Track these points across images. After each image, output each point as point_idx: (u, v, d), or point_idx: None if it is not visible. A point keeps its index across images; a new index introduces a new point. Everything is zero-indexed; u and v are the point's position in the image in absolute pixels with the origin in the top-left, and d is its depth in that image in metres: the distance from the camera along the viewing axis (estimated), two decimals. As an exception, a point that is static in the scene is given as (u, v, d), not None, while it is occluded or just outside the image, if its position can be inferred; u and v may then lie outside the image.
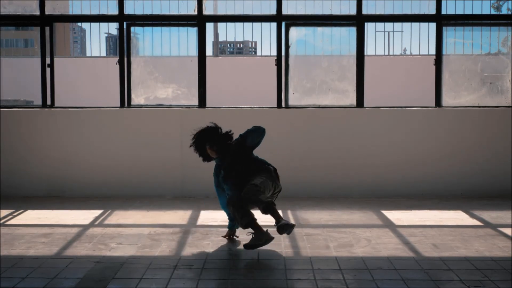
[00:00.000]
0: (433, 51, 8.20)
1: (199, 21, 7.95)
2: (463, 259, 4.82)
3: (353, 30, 7.97)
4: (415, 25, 17.87)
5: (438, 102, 8.03)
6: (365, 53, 8.01)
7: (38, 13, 8.04)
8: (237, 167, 5.31)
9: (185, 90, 8.16)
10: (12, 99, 14.55)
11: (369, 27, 20.79)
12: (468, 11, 8.14)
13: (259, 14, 8.11)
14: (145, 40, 8.25)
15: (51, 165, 7.82)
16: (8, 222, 6.33)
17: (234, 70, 17.65)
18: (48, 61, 8.04)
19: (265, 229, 5.08)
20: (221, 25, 19.88)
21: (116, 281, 4.28)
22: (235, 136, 5.46)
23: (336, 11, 8.04)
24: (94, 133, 7.83)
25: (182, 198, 7.70)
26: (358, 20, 7.93)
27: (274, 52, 8.20)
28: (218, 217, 6.48)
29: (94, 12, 8.13)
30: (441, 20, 7.95)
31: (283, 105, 7.98)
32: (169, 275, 4.40)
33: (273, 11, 7.96)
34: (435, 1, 7.93)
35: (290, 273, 4.50)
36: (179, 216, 6.58)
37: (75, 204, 7.26)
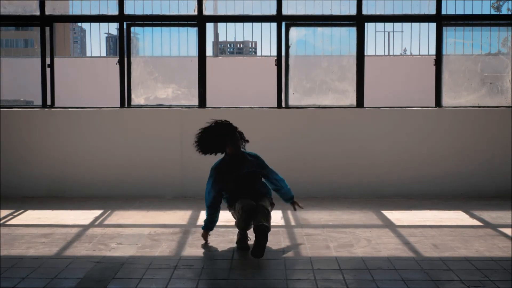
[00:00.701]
0: (433, 51, 8.21)
1: (199, 21, 7.95)
2: (463, 259, 4.82)
3: (353, 30, 7.97)
4: (415, 25, 17.85)
5: (438, 102, 8.03)
6: (365, 53, 8.01)
7: (38, 13, 8.04)
8: (247, 180, 5.35)
9: (185, 90, 8.16)
10: (12, 99, 14.54)
11: (369, 27, 20.80)
12: (468, 11, 8.15)
13: (259, 14, 8.11)
14: (145, 40, 8.26)
15: (51, 165, 7.82)
16: (8, 222, 6.33)
17: (234, 70, 17.65)
18: (48, 61, 8.04)
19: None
20: (221, 25, 19.88)
21: (116, 281, 4.29)
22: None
23: (336, 11, 8.04)
24: (94, 133, 7.83)
25: (182, 198, 7.70)
26: (358, 20, 7.93)
27: (274, 52, 8.21)
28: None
29: (94, 12, 8.14)
30: (441, 20, 7.95)
31: (283, 105, 7.98)
32: (169, 275, 4.40)
33: (273, 11, 7.96)
34: (435, 1, 7.93)
35: (290, 273, 4.50)
36: (179, 216, 6.58)
37: (75, 204, 7.25)
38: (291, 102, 7.98)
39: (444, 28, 7.96)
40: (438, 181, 7.76)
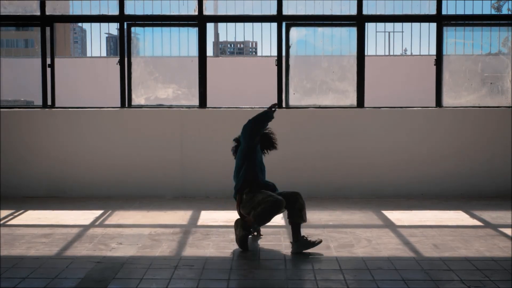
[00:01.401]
0: (433, 51, 8.20)
1: (199, 21, 7.95)
2: (464, 259, 4.82)
3: (353, 30, 7.97)
4: (416, 25, 17.91)
5: (438, 102, 8.03)
6: (366, 53, 8.01)
7: (38, 13, 8.04)
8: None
9: (186, 90, 8.16)
10: (12, 99, 14.54)
11: (370, 27, 20.76)
12: (468, 11, 8.15)
13: (259, 14, 8.11)
14: (146, 41, 8.26)
15: (51, 166, 7.82)
16: (9, 223, 6.33)
17: (235, 70, 17.66)
18: (48, 61, 8.05)
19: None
20: (221, 25, 19.88)
21: (117, 281, 4.29)
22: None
23: (336, 11, 8.04)
24: (94, 134, 7.84)
25: (182, 198, 7.70)
26: (359, 20, 7.93)
27: (274, 52, 8.21)
28: (218, 218, 6.49)
29: (95, 12, 8.14)
30: (441, 20, 7.95)
31: (284, 105, 7.98)
32: (169, 275, 4.40)
33: (273, 11, 7.96)
34: (435, 1, 7.93)
35: (291, 273, 4.50)
36: (180, 216, 6.58)
37: (76, 205, 7.26)
38: (292, 102, 7.98)
39: (444, 28, 7.96)
40: (439, 181, 7.75)
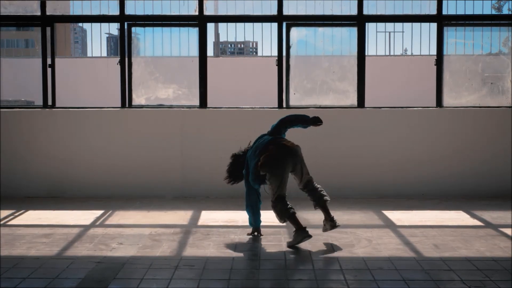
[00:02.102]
0: (434, 51, 8.20)
1: (200, 21, 7.95)
2: (464, 259, 4.82)
3: (353, 31, 7.97)
4: (416, 25, 17.90)
5: (439, 102, 8.03)
6: (366, 54, 8.01)
7: (39, 13, 8.04)
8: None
9: (186, 90, 8.17)
10: (13, 99, 14.55)
11: (370, 27, 20.80)
12: (469, 12, 8.15)
13: (260, 15, 8.11)
14: (146, 41, 8.26)
15: (52, 166, 7.82)
16: (9, 223, 6.34)
17: (235, 70, 17.65)
18: (49, 61, 8.05)
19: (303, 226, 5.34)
20: (222, 26, 19.83)
21: (117, 282, 4.29)
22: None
23: (337, 12, 8.04)
24: (95, 134, 7.84)
25: (183, 198, 7.70)
26: (359, 20, 7.93)
27: (275, 53, 8.21)
28: (218, 218, 6.49)
29: (95, 12, 8.14)
30: (442, 20, 7.95)
31: (284, 105, 7.97)
32: (170, 275, 4.40)
33: (274, 11, 7.96)
34: (436, 1, 7.93)
35: (291, 273, 4.50)
36: (180, 217, 6.58)
37: (76, 205, 7.26)
38: (292, 102, 7.98)
39: (445, 28, 7.96)
40: (439, 181, 7.75)
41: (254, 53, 50.64)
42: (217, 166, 7.68)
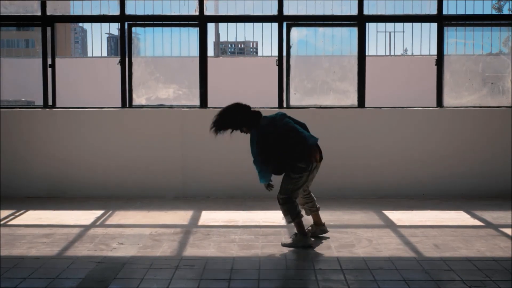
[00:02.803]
0: (434, 51, 8.20)
1: (200, 21, 7.95)
2: (465, 259, 4.82)
3: (354, 31, 7.97)
4: (417, 25, 17.91)
5: (439, 102, 8.03)
6: (366, 54, 8.00)
7: (39, 13, 8.04)
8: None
9: (186, 90, 8.17)
10: (13, 99, 14.55)
11: (370, 27, 20.82)
12: (469, 12, 8.15)
13: (260, 15, 8.11)
14: (146, 41, 8.26)
15: (52, 166, 7.82)
16: (9, 223, 6.34)
17: (235, 70, 17.66)
18: (49, 61, 8.06)
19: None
20: (222, 26, 19.84)
21: (118, 282, 4.29)
22: None
23: (337, 12, 8.04)
24: (95, 134, 7.84)
25: (183, 198, 7.70)
26: (359, 20, 7.93)
27: (275, 53, 8.20)
28: (219, 218, 6.49)
29: (95, 12, 8.14)
30: (442, 20, 7.95)
31: (284, 105, 7.97)
32: (170, 275, 4.40)
33: (274, 11, 7.96)
34: (436, 1, 7.93)
35: (292, 273, 4.50)
36: (180, 217, 6.58)
37: (76, 205, 7.26)
38: (292, 102, 7.98)
39: (445, 28, 7.96)
40: (439, 181, 7.75)
41: (255, 53, 50.63)
42: (218, 166, 7.72)
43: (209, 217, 6.57)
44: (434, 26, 8.06)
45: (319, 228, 5.57)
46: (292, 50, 7.98)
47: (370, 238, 5.53)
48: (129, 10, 8.01)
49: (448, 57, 8.03)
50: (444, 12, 7.95)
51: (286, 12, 7.94)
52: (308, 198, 5.56)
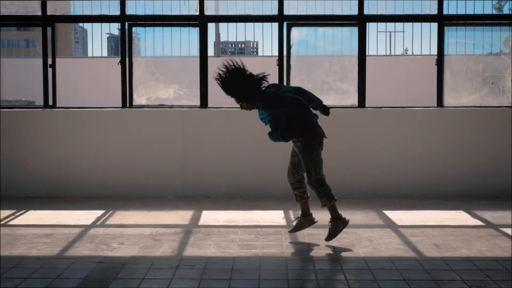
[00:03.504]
0: (434, 51, 8.20)
1: (200, 21, 7.95)
2: (465, 259, 4.82)
3: (354, 30, 7.97)
4: (417, 25, 17.87)
5: (439, 102, 8.03)
6: (367, 53, 8.01)
7: (39, 13, 8.04)
8: None
9: (187, 90, 8.17)
10: (13, 99, 14.56)
11: (371, 27, 20.84)
12: (469, 11, 8.15)
13: (260, 15, 8.11)
14: (147, 41, 8.26)
15: (52, 166, 7.82)
16: (10, 223, 6.34)
17: (236, 70, 17.62)
18: (49, 61, 8.06)
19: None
20: (222, 25, 19.86)
21: (118, 281, 4.29)
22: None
23: (337, 11, 8.04)
24: (95, 134, 7.84)
25: (184, 198, 7.70)
26: (360, 20, 7.93)
27: (275, 53, 8.21)
28: (219, 218, 6.49)
29: (96, 12, 8.14)
30: (442, 20, 7.95)
31: (285, 105, 7.96)
32: (171, 275, 4.40)
33: (274, 11, 7.96)
34: (436, 1, 7.93)
35: (292, 273, 4.50)
36: (181, 216, 6.58)
37: (77, 205, 7.26)
38: (293, 102, 7.97)
39: (445, 28, 7.96)
40: (440, 181, 7.75)
41: (255, 53, 50.66)
42: (218, 166, 7.71)
43: (209, 217, 6.57)
44: (434, 26, 8.06)
45: (307, 219, 5.53)
46: (292, 50, 7.98)
47: (371, 238, 5.53)
48: (130, 10, 8.01)
49: (448, 57, 8.03)
50: (445, 12, 7.95)
51: (287, 12, 7.95)
52: (300, 184, 5.53)
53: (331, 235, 5.29)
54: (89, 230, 5.89)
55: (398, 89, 16.45)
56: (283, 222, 6.30)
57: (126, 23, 8.00)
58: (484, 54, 8.32)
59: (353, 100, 7.98)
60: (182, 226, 6.07)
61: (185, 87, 8.19)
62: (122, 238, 5.55)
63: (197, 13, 7.95)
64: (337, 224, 5.30)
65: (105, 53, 24.52)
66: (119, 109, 8.03)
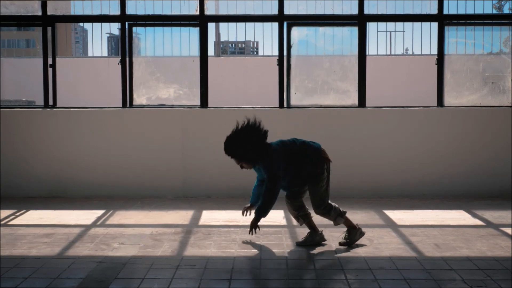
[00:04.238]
0: (435, 51, 8.20)
1: (200, 21, 7.95)
2: (465, 259, 4.82)
3: (354, 30, 7.97)
4: (417, 25, 17.93)
5: (440, 102, 8.03)
6: (367, 53, 8.01)
7: (40, 13, 8.04)
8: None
9: (187, 90, 8.17)
10: (14, 99, 14.57)
11: (371, 27, 20.78)
12: (469, 11, 8.15)
13: (260, 14, 8.11)
14: (147, 40, 8.27)
15: (53, 166, 7.83)
16: (10, 223, 6.34)
17: (236, 70, 17.67)
18: (50, 61, 8.06)
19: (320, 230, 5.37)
20: (222, 25, 19.88)
21: (118, 281, 4.29)
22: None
23: (337, 11, 8.04)
24: (96, 134, 7.84)
25: (184, 198, 7.70)
26: (360, 20, 7.93)
27: (276, 52, 8.21)
28: (220, 217, 6.49)
29: (96, 12, 8.15)
30: (442, 20, 7.95)
31: (285, 105, 7.98)
32: (171, 275, 4.40)
33: (274, 11, 7.96)
34: (436, 1, 7.93)
35: (292, 273, 4.50)
36: (181, 216, 6.58)
37: (77, 204, 7.26)
38: (293, 102, 7.99)
39: (445, 27, 7.96)
40: (440, 180, 7.75)
41: (255, 53, 50.67)
42: (218, 166, 7.71)
43: (210, 217, 6.57)
44: (434, 25, 8.06)
45: (319, 236, 5.38)
46: (292, 50, 7.98)
47: (371, 238, 5.53)
48: (130, 10, 8.02)
49: (448, 57, 8.04)
50: (445, 11, 7.95)
51: (287, 11, 7.95)
52: (301, 206, 5.41)
53: (347, 244, 5.23)
54: (89, 230, 5.89)
55: (398, 89, 16.46)
56: (283, 222, 6.30)
57: (126, 23, 8.00)
58: (484, 54, 8.32)
59: (353, 100, 7.98)
60: (183, 226, 6.07)
61: (185, 87, 8.19)
62: (123, 238, 5.55)
63: (197, 13, 7.95)
64: (355, 234, 5.27)
65: (105, 53, 24.53)
66: (119, 109, 8.03)
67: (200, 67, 7.99)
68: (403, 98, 14.15)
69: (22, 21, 8.34)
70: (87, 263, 4.73)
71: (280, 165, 5.06)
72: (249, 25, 18.06)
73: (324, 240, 5.37)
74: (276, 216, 6.44)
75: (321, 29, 8.16)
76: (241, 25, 19.26)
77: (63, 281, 4.28)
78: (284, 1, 7.92)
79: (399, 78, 16.97)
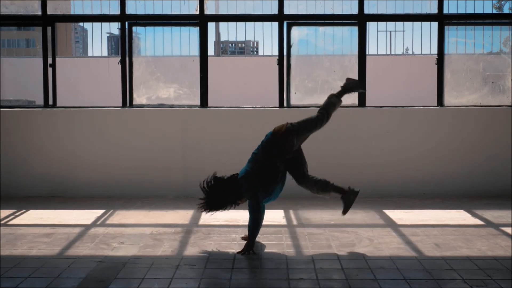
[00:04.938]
0: (435, 50, 8.19)
1: (200, 21, 7.95)
2: (466, 258, 4.82)
3: (354, 30, 7.97)
4: (417, 24, 17.79)
5: (440, 101, 8.03)
6: (367, 53, 8.00)
7: (40, 13, 8.04)
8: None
9: (187, 90, 8.17)
10: (14, 99, 14.57)
11: (371, 26, 20.75)
12: (469, 11, 8.14)
13: (260, 14, 8.11)
14: (147, 40, 8.26)
15: (53, 165, 7.83)
16: (10, 222, 6.34)
17: (236, 70, 17.66)
18: (50, 61, 8.06)
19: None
20: (222, 25, 19.88)
21: (118, 281, 4.29)
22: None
23: (337, 11, 8.04)
24: (96, 133, 7.84)
25: (184, 198, 7.70)
26: (360, 20, 7.93)
27: (276, 52, 8.20)
28: (220, 217, 6.48)
29: (96, 12, 8.14)
30: (443, 20, 7.95)
31: (285, 104, 7.98)
32: (171, 274, 4.40)
33: (274, 10, 7.95)
34: (436, 1, 7.93)
35: (292, 272, 4.50)
36: (181, 216, 6.58)
37: (77, 204, 7.26)
38: (293, 102, 7.98)
39: (446, 27, 7.96)
40: (440, 180, 7.75)
41: (255, 53, 50.69)
42: (218, 165, 7.70)
43: (210, 216, 6.56)
44: (434, 25, 8.06)
45: (347, 192, 5.60)
46: (292, 50, 7.98)
47: (371, 237, 5.53)
48: (130, 10, 8.01)
49: (448, 56, 8.03)
50: (445, 11, 7.95)
51: (287, 11, 7.94)
52: (313, 179, 5.59)
53: (348, 207, 5.48)
54: (89, 230, 5.89)
55: (398, 89, 16.44)
56: (283, 221, 6.30)
57: (126, 23, 8.00)
58: (484, 54, 8.32)
59: (353, 99, 7.97)
60: (183, 226, 6.07)
61: (185, 86, 8.19)
62: (123, 238, 5.55)
63: (197, 13, 7.95)
64: (348, 196, 5.48)
65: (105, 53, 24.56)
66: (119, 108, 8.03)
67: (200, 67, 7.99)
68: (403, 98, 14.13)
69: (22, 21, 8.34)
70: (87, 262, 4.73)
71: (255, 183, 5.14)
72: (249, 24, 18.04)
73: (356, 189, 5.57)
74: (276, 216, 6.44)
75: (321, 28, 8.16)
76: (241, 24, 19.30)
77: (63, 281, 4.28)
78: (284, 1, 7.92)
79: (399, 78, 16.95)
